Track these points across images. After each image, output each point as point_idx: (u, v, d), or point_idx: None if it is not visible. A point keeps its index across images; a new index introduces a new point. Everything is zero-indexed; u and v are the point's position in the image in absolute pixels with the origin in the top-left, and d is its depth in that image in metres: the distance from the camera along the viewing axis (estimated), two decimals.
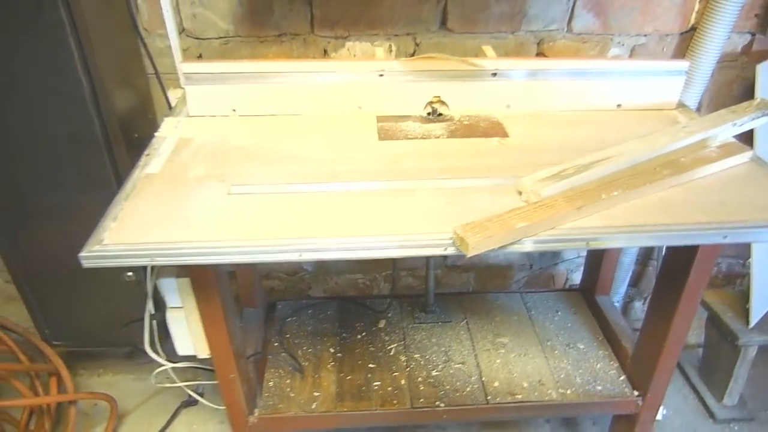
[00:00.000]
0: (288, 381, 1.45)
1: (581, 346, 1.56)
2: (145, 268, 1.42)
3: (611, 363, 1.51)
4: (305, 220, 0.94)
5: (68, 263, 1.52)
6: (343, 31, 1.47)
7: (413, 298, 1.72)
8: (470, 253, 0.86)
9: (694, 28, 1.50)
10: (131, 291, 1.58)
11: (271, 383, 1.44)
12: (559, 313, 1.68)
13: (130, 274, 1.52)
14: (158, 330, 1.45)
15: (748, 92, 1.58)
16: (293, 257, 0.89)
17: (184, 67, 1.23)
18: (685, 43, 1.53)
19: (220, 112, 1.28)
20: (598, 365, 1.50)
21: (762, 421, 1.80)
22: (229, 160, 1.12)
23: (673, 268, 1.22)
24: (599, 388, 1.43)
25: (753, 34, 1.53)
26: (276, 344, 1.56)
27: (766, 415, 1.83)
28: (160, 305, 1.42)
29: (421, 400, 1.40)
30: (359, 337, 1.59)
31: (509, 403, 1.40)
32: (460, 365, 1.50)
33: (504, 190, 1.01)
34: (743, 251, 1.93)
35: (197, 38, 1.46)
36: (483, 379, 1.46)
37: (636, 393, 1.41)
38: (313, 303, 1.72)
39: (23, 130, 1.29)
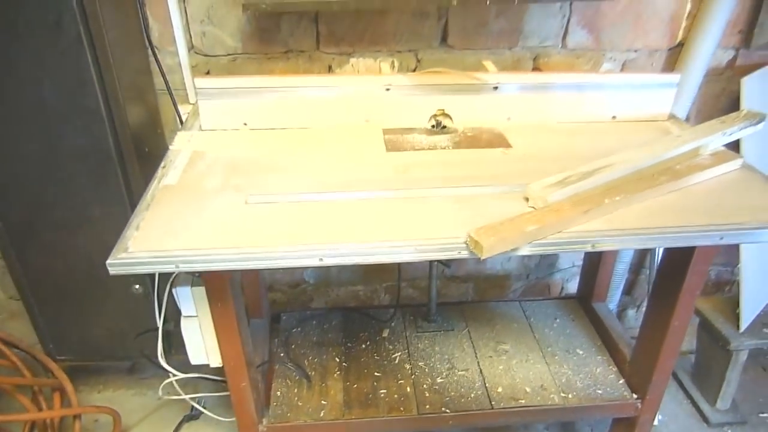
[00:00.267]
0: (295, 390, 1.47)
1: (580, 352, 1.60)
2: (153, 280, 1.45)
3: (610, 367, 1.55)
4: (323, 227, 0.97)
5: (75, 277, 1.54)
6: (347, 47, 1.52)
7: (415, 308, 1.75)
8: (485, 255, 0.90)
9: (681, 44, 1.58)
10: (136, 305, 1.60)
11: (279, 393, 1.46)
12: (558, 320, 1.72)
13: (137, 286, 1.54)
14: (163, 342, 1.47)
15: (734, 104, 1.66)
16: (314, 262, 0.92)
17: (198, 82, 1.27)
18: (674, 58, 1.60)
19: (232, 125, 1.32)
20: (598, 370, 1.54)
21: (754, 424, 1.85)
22: (243, 171, 1.16)
23: (669, 271, 1.27)
24: (600, 392, 1.47)
25: (737, 50, 1.61)
26: (282, 354, 1.58)
27: (759, 418, 1.87)
28: (168, 317, 1.44)
29: (428, 406, 1.43)
30: (364, 346, 1.62)
31: (513, 407, 1.43)
32: (463, 372, 1.53)
33: (511, 196, 1.06)
34: (732, 259, 2.00)
35: (206, 55, 1.50)
36: (487, 385, 1.49)
37: (635, 396, 1.45)
38: (318, 314, 1.75)
39: (40, 144, 1.32)
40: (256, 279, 1.63)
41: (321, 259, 0.91)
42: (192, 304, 1.16)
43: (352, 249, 0.92)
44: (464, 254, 0.93)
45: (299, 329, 1.68)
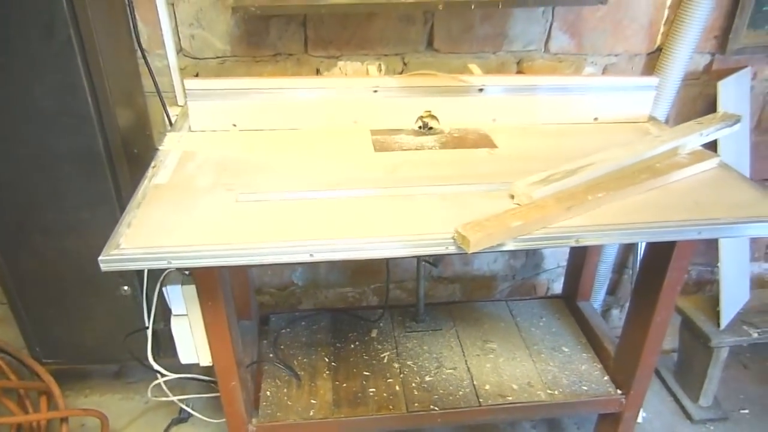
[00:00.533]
0: (285, 390, 1.48)
1: (566, 350, 1.63)
2: (141, 281, 1.45)
3: (595, 364, 1.57)
4: (312, 224, 0.99)
5: (63, 280, 1.54)
6: (335, 51, 1.54)
7: (403, 309, 1.77)
8: (471, 250, 0.92)
9: (660, 49, 1.62)
10: (124, 307, 1.60)
11: (268, 392, 1.46)
12: (544, 319, 1.75)
13: (125, 288, 1.54)
14: (152, 344, 1.47)
15: (710, 107, 1.71)
16: (305, 258, 0.93)
17: (187, 84, 1.28)
18: (653, 62, 1.65)
19: (221, 127, 1.33)
20: (583, 367, 1.57)
21: (736, 420, 1.89)
22: (233, 170, 1.17)
23: (651, 268, 1.30)
24: (585, 388, 1.50)
25: (713, 54, 1.66)
26: (271, 355, 1.59)
27: (740, 414, 1.92)
28: (156, 318, 1.45)
29: (416, 404, 1.44)
30: (353, 346, 1.63)
31: (501, 404, 1.45)
32: (451, 370, 1.55)
33: (497, 194, 1.08)
34: (712, 259, 2.04)
35: (195, 58, 1.51)
36: (474, 382, 1.51)
37: (620, 392, 1.48)
38: (306, 315, 1.75)
39: (29, 146, 1.32)
40: (245, 280, 1.64)
41: (311, 255, 0.93)
42: (182, 303, 1.17)
43: (341, 245, 0.94)
44: (452, 249, 0.95)
45: (288, 330, 1.69)
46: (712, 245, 1.91)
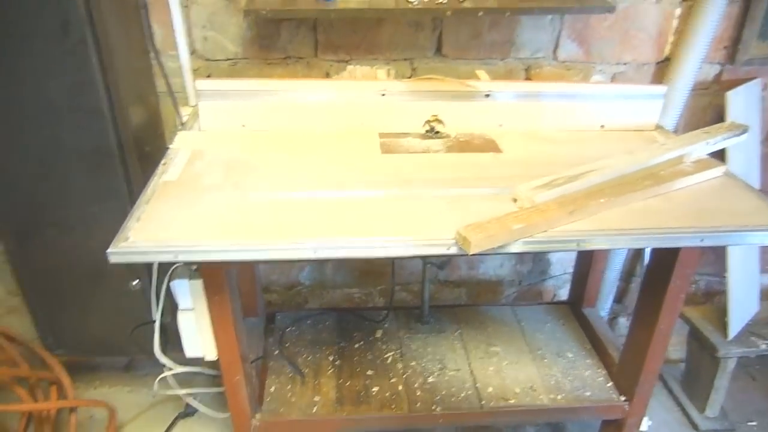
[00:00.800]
0: (289, 386, 1.50)
1: (570, 355, 1.63)
2: (150, 275, 1.48)
3: (599, 371, 1.58)
4: (318, 222, 1.01)
5: (75, 273, 1.57)
6: (345, 55, 1.56)
7: (408, 310, 1.78)
8: (472, 251, 0.94)
9: (668, 58, 1.63)
10: (134, 301, 1.63)
11: (272, 388, 1.49)
12: (548, 324, 1.75)
13: (135, 282, 1.57)
14: (159, 336, 1.50)
15: (719, 118, 1.70)
16: (308, 254, 0.95)
17: (199, 84, 1.31)
18: (661, 71, 1.65)
19: (231, 127, 1.36)
20: (587, 373, 1.57)
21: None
22: (241, 169, 1.20)
23: (655, 276, 1.30)
24: (588, 393, 1.50)
25: (722, 65, 1.66)
26: (276, 352, 1.61)
27: (747, 426, 1.90)
28: (164, 312, 1.47)
29: (419, 404, 1.46)
30: (357, 346, 1.64)
31: (503, 407, 1.45)
32: (454, 372, 1.56)
33: (500, 198, 1.10)
34: (721, 269, 2.03)
35: (207, 59, 1.54)
36: (477, 385, 1.52)
37: (623, 398, 1.48)
38: (312, 314, 1.78)
39: (43, 142, 1.36)
40: (252, 278, 1.66)
41: (315, 251, 0.95)
42: (189, 298, 1.20)
43: (345, 243, 0.96)
44: (453, 250, 0.97)
45: (294, 328, 1.71)
46: (721, 255, 1.90)
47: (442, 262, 1.70)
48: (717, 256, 1.99)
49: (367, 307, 1.99)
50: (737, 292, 1.78)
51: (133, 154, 1.42)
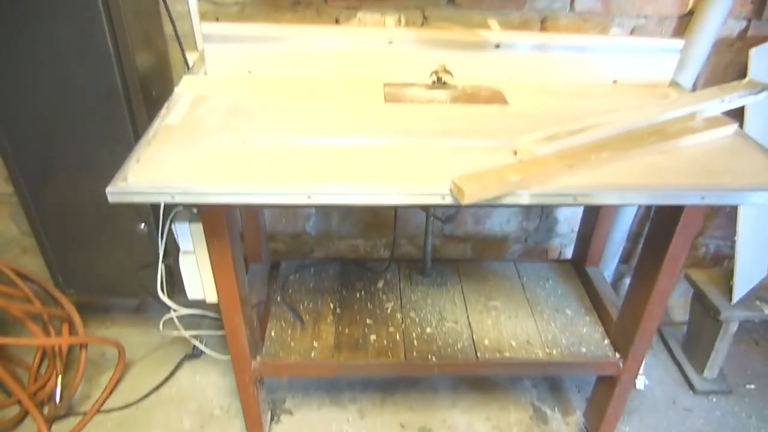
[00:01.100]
0: (289, 331, 1.54)
1: (569, 312, 1.64)
2: (157, 219, 1.51)
3: (596, 328, 1.59)
4: (315, 169, 1.00)
5: (85, 215, 1.60)
6: (355, 1, 1.53)
7: (411, 263, 1.80)
8: (466, 201, 0.93)
9: (692, 12, 1.56)
10: (140, 244, 1.67)
11: (273, 333, 1.53)
12: (550, 281, 1.76)
13: (142, 226, 1.60)
14: (166, 280, 1.54)
15: (742, 77, 1.64)
16: (302, 200, 0.96)
17: (204, 27, 1.30)
18: (684, 26, 1.59)
19: (236, 72, 1.35)
20: (584, 329, 1.58)
21: (739, 394, 1.89)
22: (243, 115, 1.19)
23: (656, 235, 1.29)
24: (583, 350, 1.51)
25: (749, 20, 1.59)
26: (278, 298, 1.64)
27: (745, 389, 1.91)
28: (169, 253, 1.50)
29: (415, 353, 1.48)
30: (358, 295, 1.67)
31: (498, 359, 1.48)
32: (452, 324, 1.58)
33: (502, 150, 1.08)
34: (732, 233, 2.00)
35: (215, 3, 1.52)
36: (474, 337, 1.54)
37: (618, 355, 1.49)
38: (316, 263, 1.80)
39: (52, 84, 1.37)
40: (256, 225, 1.68)
41: (309, 197, 0.95)
42: (190, 240, 1.22)
43: (339, 189, 0.96)
44: (448, 200, 0.96)
45: (297, 276, 1.74)
46: (733, 219, 1.87)
47: (447, 215, 1.70)
48: (728, 219, 1.96)
49: (371, 258, 2.02)
50: (745, 256, 1.76)
51: (140, 97, 1.43)
